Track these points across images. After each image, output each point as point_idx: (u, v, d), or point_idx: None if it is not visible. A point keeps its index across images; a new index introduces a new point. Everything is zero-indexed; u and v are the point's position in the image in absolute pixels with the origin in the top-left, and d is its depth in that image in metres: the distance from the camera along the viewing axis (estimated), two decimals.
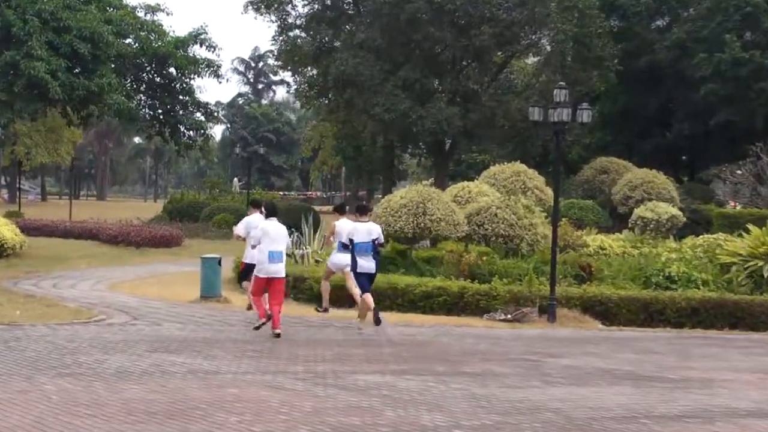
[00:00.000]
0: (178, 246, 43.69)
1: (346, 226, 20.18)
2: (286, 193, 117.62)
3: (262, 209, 19.68)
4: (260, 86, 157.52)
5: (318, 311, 22.38)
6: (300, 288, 25.07)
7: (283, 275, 18.45)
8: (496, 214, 29.38)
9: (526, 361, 16.63)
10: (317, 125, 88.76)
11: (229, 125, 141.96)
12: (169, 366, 14.15)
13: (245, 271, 20.81)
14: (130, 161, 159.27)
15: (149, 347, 16.17)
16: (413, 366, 15.30)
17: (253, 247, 19.04)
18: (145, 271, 33.94)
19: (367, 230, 19.37)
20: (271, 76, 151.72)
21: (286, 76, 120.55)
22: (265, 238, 18.18)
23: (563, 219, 34.45)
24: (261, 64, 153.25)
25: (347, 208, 23.00)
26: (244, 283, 21.37)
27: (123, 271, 33.69)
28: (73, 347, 15.86)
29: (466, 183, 35.86)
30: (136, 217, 58.89)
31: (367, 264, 19.30)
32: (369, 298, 19.46)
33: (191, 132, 63.07)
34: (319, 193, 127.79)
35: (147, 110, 63.48)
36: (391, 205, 28.48)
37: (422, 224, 27.82)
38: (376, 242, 19.46)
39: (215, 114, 65.27)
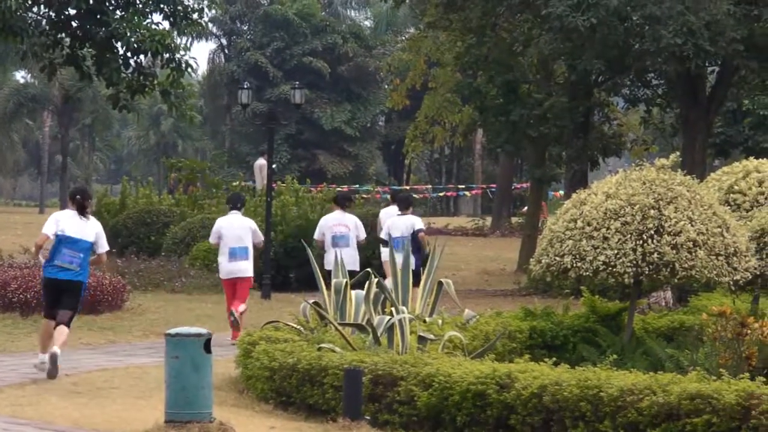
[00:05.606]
0: (118, 310, 22.01)
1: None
2: (359, 186, 59.43)
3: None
4: None
5: None
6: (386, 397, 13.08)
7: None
8: None
9: None
10: (417, 38, 42.99)
11: (224, 43, 76.18)
12: None
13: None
14: (3, 128, 77.70)
15: None
16: None
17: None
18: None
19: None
20: None
21: None
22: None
23: None
24: None
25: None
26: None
27: None
28: None
29: (750, 162, 18.51)
30: (20, 246, 28.64)
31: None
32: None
33: (142, 58, 28.71)
34: (427, 188, 69.61)
35: (43, 12, 28.63)
36: (586, 213, 14.59)
37: (656, 254, 14.22)
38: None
39: (195, 17, 28.64)
